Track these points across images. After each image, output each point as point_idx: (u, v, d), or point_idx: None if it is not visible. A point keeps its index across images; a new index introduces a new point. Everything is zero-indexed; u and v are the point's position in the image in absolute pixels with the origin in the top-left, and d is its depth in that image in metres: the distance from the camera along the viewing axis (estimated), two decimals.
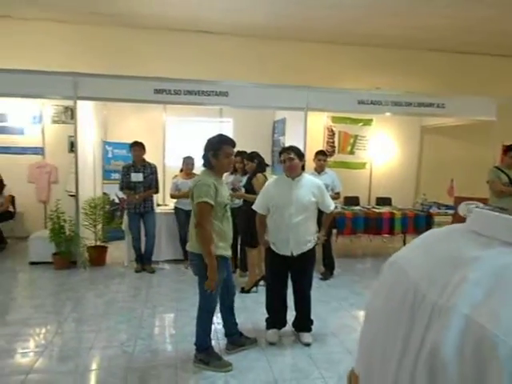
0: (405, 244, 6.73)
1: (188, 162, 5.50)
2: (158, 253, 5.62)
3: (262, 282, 4.63)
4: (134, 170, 5.24)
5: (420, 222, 6.06)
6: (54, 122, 7.12)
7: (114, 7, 6.39)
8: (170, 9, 6.48)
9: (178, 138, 7.32)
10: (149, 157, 5.48)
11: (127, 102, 5.74)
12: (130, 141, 6.83)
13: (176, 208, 5.52)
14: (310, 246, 3.25)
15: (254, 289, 4.61)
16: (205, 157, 2.87)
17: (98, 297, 4.49)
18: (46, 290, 4.63)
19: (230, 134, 7.28)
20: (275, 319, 3.42)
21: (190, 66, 6.93)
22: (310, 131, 6.07)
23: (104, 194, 6.59)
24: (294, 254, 3.19)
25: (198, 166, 5.58)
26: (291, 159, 3.18)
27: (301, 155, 3.25)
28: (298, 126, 5.98)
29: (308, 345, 3.32)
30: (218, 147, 2.82)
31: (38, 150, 7.13)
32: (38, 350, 3.22)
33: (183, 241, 5.56)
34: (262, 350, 3.26)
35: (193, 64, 7.02)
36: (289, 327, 3.52)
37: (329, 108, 6.20)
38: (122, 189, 5.35)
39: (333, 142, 7.50)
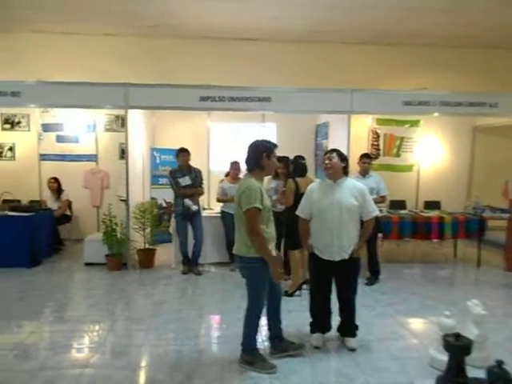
0: (456, 249, 6.44)
1: (235, 166, 5.61)
2: (204, 256, 5.74)
3: (305, 286, 4.63)
4: (181, 175, 5.42)
5: (472, 226, 5.78)
6: (106, 130, 7.53)
7: (161, 19, 6.68)
8: (213, 19, 6.68)
9: (221, 144, 7.48)
10: (194, 162, 5.64)
11: (174, 109, 5.97)
12: (177, 147, 7.10)
13: (223, 212, 5.64)
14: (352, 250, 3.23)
15: (298, 292, 4.61)
16: (254, 159, 2.94)
17: (147, 297, 4.68)
18: (100, 290, 4.89)
19: (273, 138, 7.37)
20: (319, 323, 3.41)
21: (233, 73, 7.06)
22: (354, 134, 6.00)
23: (152, 198, 6.84)
24: (337, 259, 3.17)
25: (244, 171, 5.72)
26: (330, 158, 3.20)
27: (343, 158, 3.25)
28: (342, 130, 5.94)
29: (353, 350, 3.28)
30: (271, 149, 2.96)
31: (92, 157, 7.56)
32: (93, 346, 3.42)
33: (230, 244, 5.67)
34: (306, 353, 3.25)
35: (236, 71, 7.16)
36: (333, 332, 3.49)
37: (373, 110, 6.10)
38: (177, 191, 5.45)
39: (377, 145, 7.36)
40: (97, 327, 3.86)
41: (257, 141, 3.05)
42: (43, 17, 6.63)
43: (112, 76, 6.02)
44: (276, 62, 7.40)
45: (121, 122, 7.34)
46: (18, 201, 6.33)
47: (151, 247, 5.90)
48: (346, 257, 3.18)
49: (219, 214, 5.73)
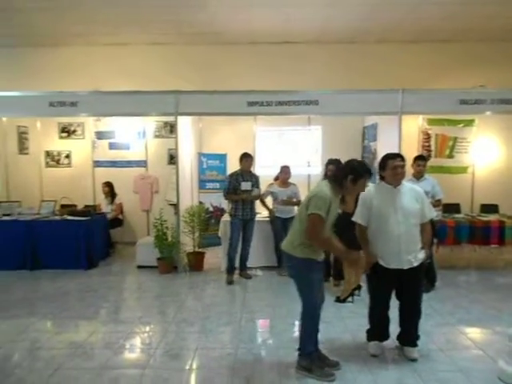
0: None
1: (286, 170, 5.60)
2: (251, 259, 5.72)
3: (357, 292, 4.53)
4: (243, 179, 5.39)
5: None
6: (156, 136, 7.75)
7: (208, 27, 6.80)
8: (259, 24, 6.72)
9: (267, 148, 7.48)
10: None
11: (223, 115, 6.07)
12: (223, 152, 7.24)
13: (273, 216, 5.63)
14: (420, 257, 3.12)
15: (350, 299, 4.50)
16: (340, 175, 2.89)
17: (199, 300, 4.75)
18: (153, 292, 5.01)
19: (318, 141, 7.35)
20: (378, 332, 3.31)
21: (280, 77, 7.06)
22: (404, 135, 5.79)
23: (200, 202, 6.97)
24: (405, 267, 3.05)
25: (294, 175, 5.70)
26: (404, 167, 3.11)
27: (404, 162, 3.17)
28: (391, 131, 5.78)
29: (414, 360, 3.15)
30: (361, 175, 2.84)
31: (142, 163, 7.81)
32: (150, 347, 3.50)
33: (278, 248, 5.65)
34: (364, 361, 3.17)
35: (282, 74, 7.15)
36: (389, 340, 3.37)
37: (427, 110, 5.88)
38: (226, 195, 5.40)
39: (429, 146, 7.09)
40: (152, 329, 3.96)
41: (353, 161, 2.95)
42: (96, 30, 6.94)
43: (161, 83, 6.18)
44: (323, 63, 7.31)
45: (169, 129, 7.54)
46: (75, 205, 6.63)
47: (200, 250, 6.00)
48: (416, 264, 3.07)
49: (268, 218, 5.73)
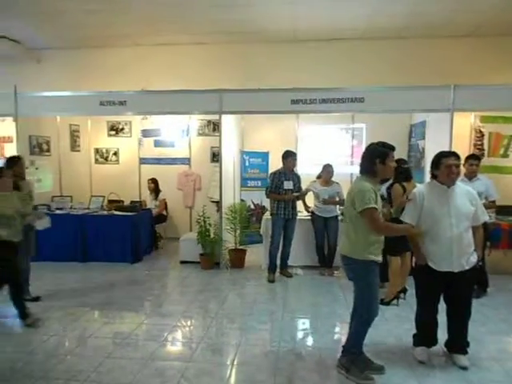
0: None
1: (328, 169, 5.52)
2: (292, 258, 5.67)
3: (402, 295, 4.39)
4: (285, 178, 5.36)
5: None
6: (199, 134, 7.89)
7: (251, 27, 6.83)
8: (301, 22, 6.66)
9: (309, 146, 7.41)
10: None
11: (266, 113, 6.06)
12: (265, 150, 7.23)
13: (314, 214, 5.58)
14: (473, 260, 2.98)
15: (395, 301, 4.38)
16: (367, 164, 2.86)
17: (240, 297, 4.79)
18: (195, 287, 5.10)
19: (363, 139, 7.18)
20: (426, 337, 3.18)
21: (324, 74, 6.96)
22: (454, 133, 5.54)
23: (241, 200, 7.01)
24: (456, 270, 2.92)
25: (337, 173, 5.61)
26: (459, 166, 2.98)
27: None
28: (441, 129, 5.54)
29: (464, 368, 3.01)
30: (385, 153, 2.83)
31: (185, 160, 7.98)
32: (193, 341, 3.57)
33: (319, 247, 5.59)
34: (410, 367, 3.06)
35: (327, 72, 7.04)
36: (436, 347, 3.24)
37: (480, 107, 5.57)
38: (269, 194, 5.39)
39: (481, 145, 6.73)
40: (195, 323, 4.04)
41: (371, 145, 2.92)
42: (143, 31, 7.14)
43: (205, 82, 6.26)
44: (368, 60, 7.13)
45: (212, 127, 7.65)
46: (122, 201, 6.87)
47: (242, 248, 6.04)
48: (467, 267, 2.94)
49: (309, 217, 5.68)
